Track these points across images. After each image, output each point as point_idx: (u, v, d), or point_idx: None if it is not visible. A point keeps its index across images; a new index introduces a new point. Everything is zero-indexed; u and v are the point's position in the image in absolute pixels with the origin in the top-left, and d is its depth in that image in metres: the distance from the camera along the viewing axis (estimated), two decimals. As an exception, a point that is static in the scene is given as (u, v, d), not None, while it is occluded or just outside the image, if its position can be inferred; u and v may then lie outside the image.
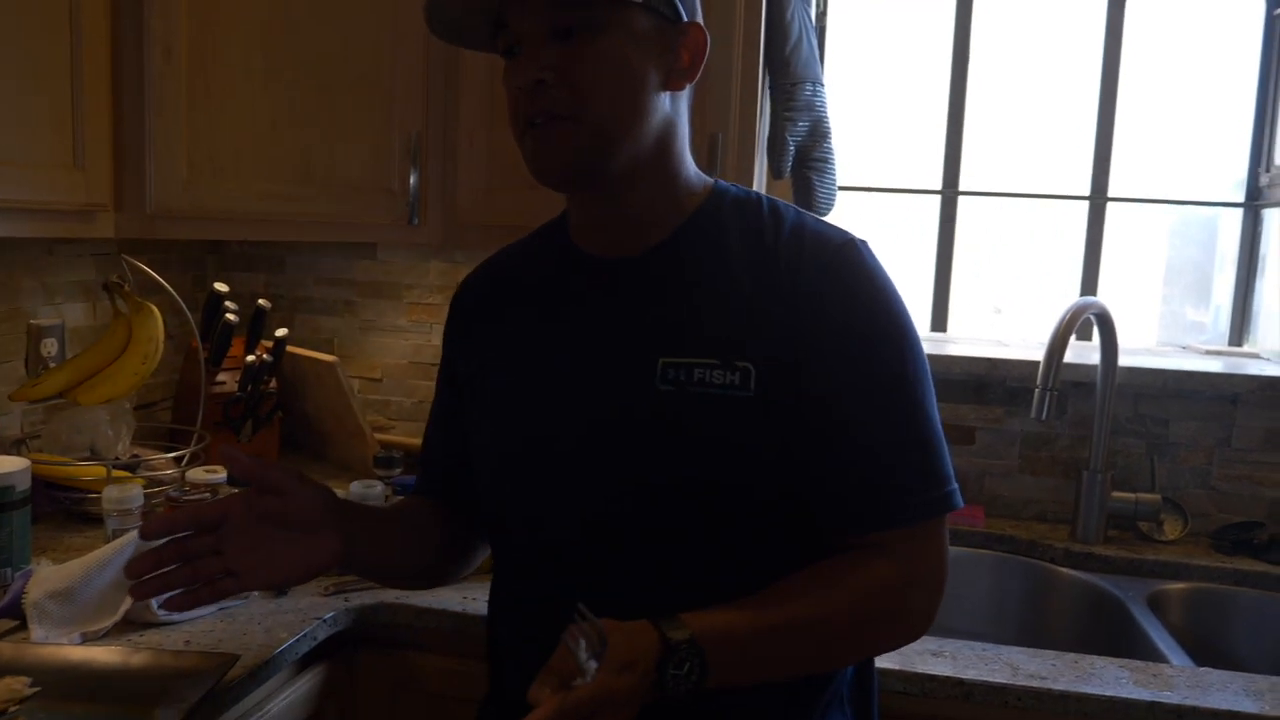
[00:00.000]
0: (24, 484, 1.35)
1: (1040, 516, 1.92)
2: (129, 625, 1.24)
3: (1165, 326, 2.27)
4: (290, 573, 0.93)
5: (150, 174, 1.55)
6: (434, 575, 1.13)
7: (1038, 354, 1.66)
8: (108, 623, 1.21)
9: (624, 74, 0.90)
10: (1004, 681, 1.21)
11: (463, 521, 1.11)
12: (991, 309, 2.30)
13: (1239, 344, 2.12)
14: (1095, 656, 1.30)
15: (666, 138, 0.96)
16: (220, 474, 1.57)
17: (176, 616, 1.26)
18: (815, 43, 1.82)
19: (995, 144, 2.18)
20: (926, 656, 1.27)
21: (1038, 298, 2.25)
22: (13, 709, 1.02)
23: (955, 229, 2.18)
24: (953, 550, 1.79)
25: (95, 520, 1.54)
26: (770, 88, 1.77)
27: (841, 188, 1.91)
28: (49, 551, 1.46)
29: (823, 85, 1.82)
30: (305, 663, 1.31)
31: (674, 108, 0.96)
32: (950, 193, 2.18)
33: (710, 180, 1.02)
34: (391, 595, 1.39)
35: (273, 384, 1.96)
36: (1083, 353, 1.94)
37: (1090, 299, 1.75)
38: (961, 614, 1.80)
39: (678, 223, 0.98)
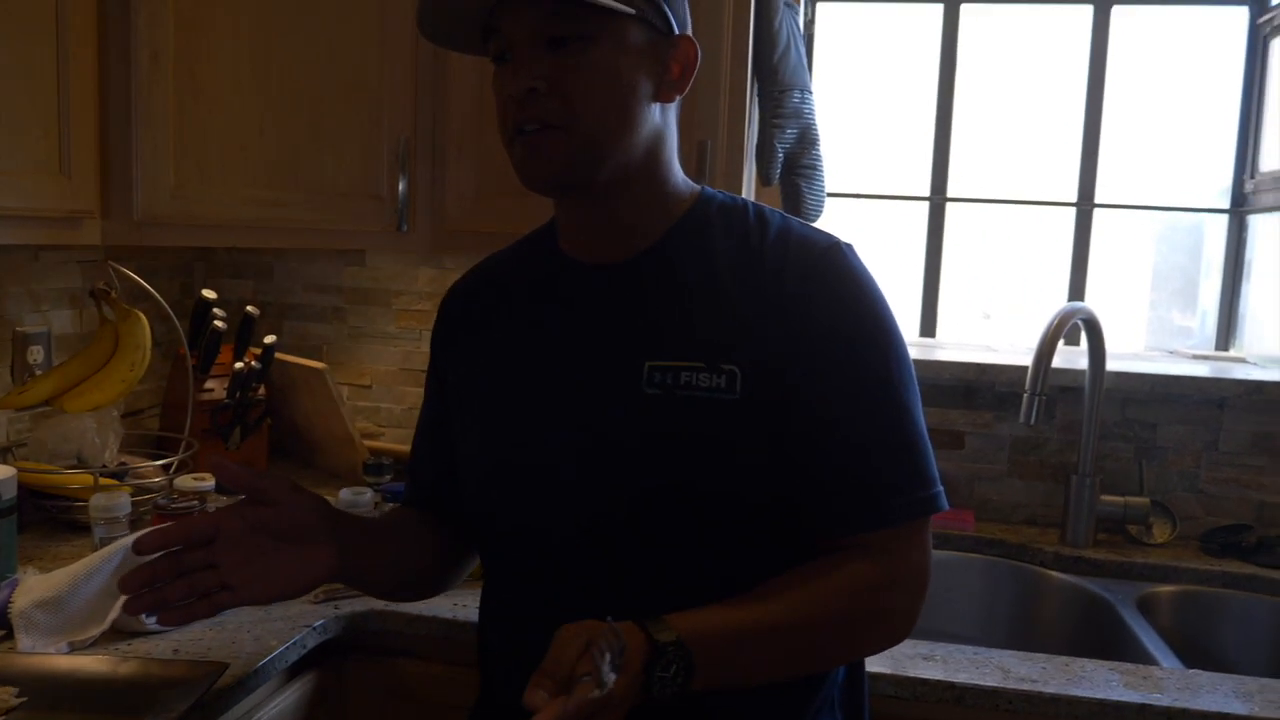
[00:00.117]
0: (10, 492, 1.34)
1: (1030, 520, 1.93)
2: (117, 634, 1.23)
3: (1153, 331, 2.29)
4: (286, 585, 0.91)
5: (137, 181, 1.55)
6: (424, 587, 1.12)
7: (1026, 359, 1.67)
8: (95, 632, 1.20)
9: (615, 85, 0.91)
10: (995, 685, 1.21)
11: (452, 531, 1.10)
12: (980, 314, 2.32)
13: (1225, 349, 2.13)
14: (1086, 659, 1.30)
15: (655, 147, 0.96)
16: (209, 482, 1.56)
17: (164, 626, 1.25)
18: (803, 50, 1.82)
19: (983, 151, 2.20)
20: (918, 660, 1.27)
21: (1026, 303, 2.26)
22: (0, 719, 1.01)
23: (944, 235, 2.19)
24: (943, 554, 1.82)
25: (82, 529, 1.53)
26: (759, 95, 1.78)
27: (830, 194, 1.92)
28: (35, 560, 1.45)
29: (811, 93, 1.83)
30: (295, 671, 1.30)
31: (663, 118, 0.97)
32: (939, 199, 2.19)
33: (697, 187, 1.02)
34: (381, 603, 1.38)
35: (261, 391, 1.96)
36: (1071, 358, 1.95)
37: (1078, 304, 1.76)
38: (952, 618, 1.80)
39: (665, 228, 0.98)
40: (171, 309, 1.81)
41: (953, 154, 2.18)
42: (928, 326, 2.21)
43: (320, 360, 2.03)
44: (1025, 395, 1.64)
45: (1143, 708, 1.18)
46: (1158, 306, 2.33)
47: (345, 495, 1.58)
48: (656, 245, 0.98)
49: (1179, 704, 1.18)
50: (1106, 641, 1.57)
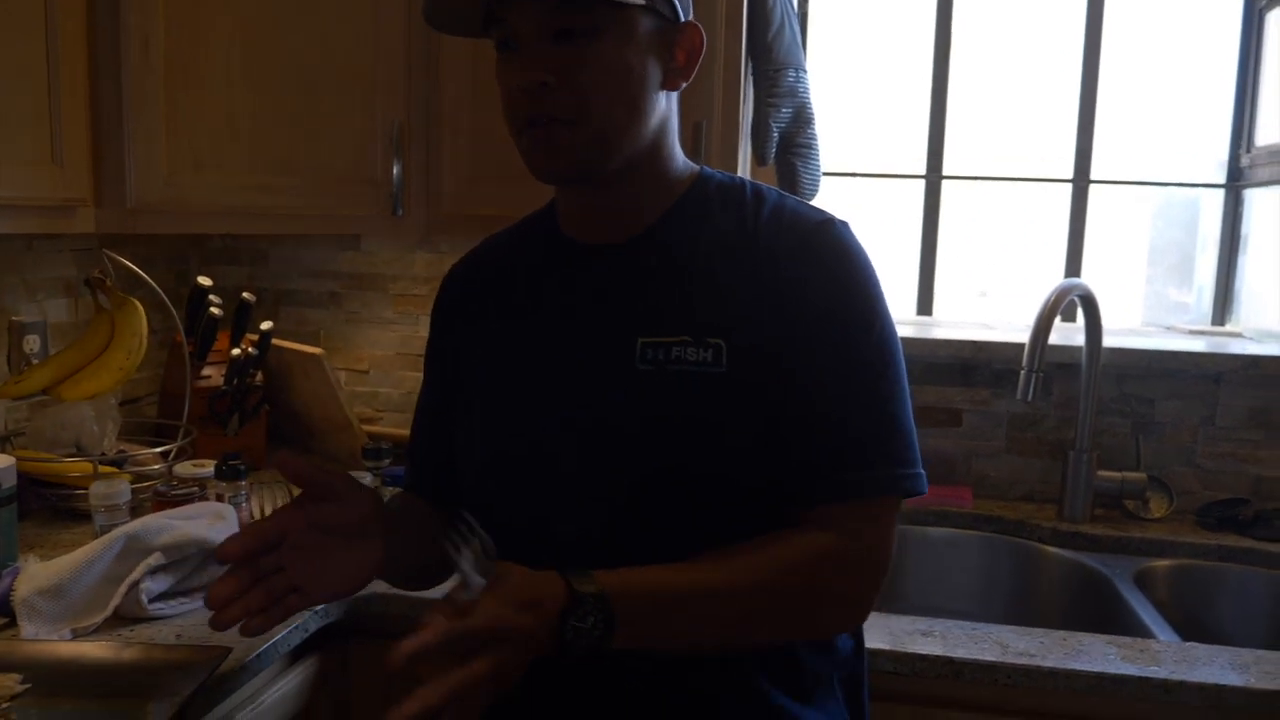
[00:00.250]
0: (10, 481, 1.34)
1: (1027, 496, 1.94)
2: (119, 620, 1.23)
3: (1150, 307, 2.29)
4: (346, 582, 0.90)
5: (130, 168, 1.54)
6: (428, 576, 1.12)
7: (1023, 336, 1.67)
8: (98, 618, 1.21)
9: (626, 77, 0.90)
10: (994, 659, 1.22)
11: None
12: (977, 292, 2.32)
13: (1222, 324, 2.13)
14: (1083, 633, 1.31)
15: (661, 133, 0.96)
16: (207, 468, 1.57)
17: (167, 610, 1.25)
18: (798, 29, 1.81)
19: (978, 128, 2.19)
20: (916, 636, 1.28)
21: (1023, 280, 2.26)
22: (4, 706, 1.01)
23: (940, 213, 2.19)
24: (941, 531, 1.83)
25: (83, 516, 1.53)
26: (753, 74, 1.77)
27: (826, 173, 1.91)
28: (36, 548, 1.46)
29: (805, 71, 1.82)
30: (297, 654, 1.31)
31: (668, 104, 0.97)
32: (934, 177, 2.18)
33: (696, 167, 1.02)
34: (383, 586, 1.37)
35: (258, 377, 1.96)
36: (1068, 334, 1.95)
37: (1074, 281, 1.76)
38: (951, 594, 1.82)
39: (663, 209, 0.98)
40: (167, 296, 1.81)
41: (948, 131, 2.17)
42: (924, 304, 2.21)
43: (317, 346, 2.03)
44: (1022, 372, 1.65)
45: (1140, 680, 1.19)
46: (1154, 282, 2.33)
47: (344, 480, 1.58)
48: (654, 226, 0.98)
49: (1175, 676, 1.19)
50: (1104, 616, 1.58)
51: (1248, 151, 2.08)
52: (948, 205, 2.19)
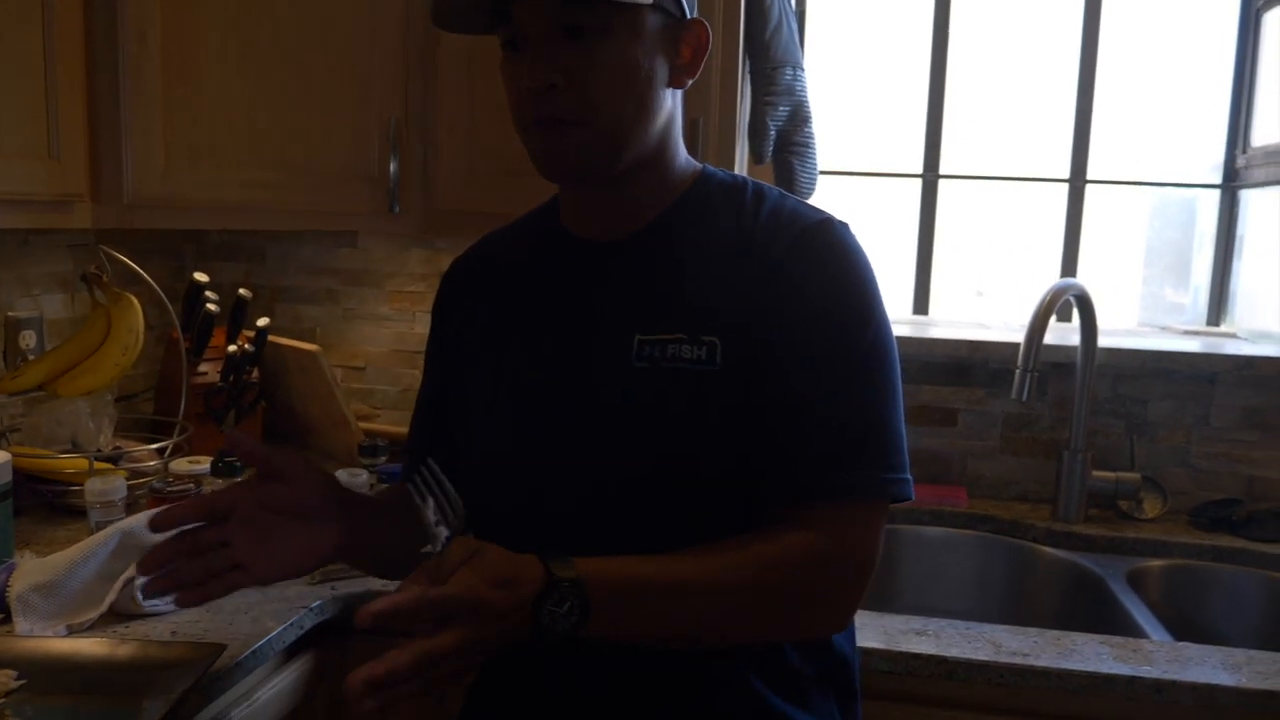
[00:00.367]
0: (5, 477, 1.33)
1: (1022, 496, 1.94)
2: (114, 617, 1.23)
3: (1146, 307, 2.29)
4: (293, 564, 0.92)
5: (127, 163, 1.54)
6: (413, 565, 1.12)
7: (1019, 336, 1.67)
8: (93, 614, 1.21)
9: (633, 76, 0.90)
10: (987, 659, 1.23)
11: None
12: (973, 291, 2.32)
13: (1217, 324, 2.14)
14: (1077, 633, 1.31)
15: (666, 131, 0.97)
16: (203, 465, 1.57)
17: (162, 607, 1.25)
18: (795, 27, 1.82)
19: (975, 128, 2.19)
20: (910, 635, 1.28)
21: (1019, 280, 2.27)
22: (-2, 702, 1.01)
23: (936, 212, 2.19)
24: (936, 530, 1.84)
25: (78, 513, 1.53)
26: (750, 73, 1.77)
27: (823, 172, 1.92)
28: (32, 545, 1.45)
29: (803, 70, 1.82)
30: (293, 652, 1.31)
31: (673, 101, 0.97)
32: (931, 176, 2.19)
33: (698, 165, 1.02)
34: (378, 583, 1.38)
35: (255, 374, 1.95)
36: (1063, 334, 1.96)
37: (1069, 280, 1.76)
38: (945, 593, 1.82)
39: (665, 206, 0.99)
40: (164, 292, 1.81)
41: (945, 131, 2.17)
42: (920, 304, 2.21)
43: (314, 342, 2.03)
44: (1017, 372, 1.65)
45: (1132, 680, 1.19)
46: (1150, 282, 2.34)
47: (341, 477, 1.58)
48: (655, 223, 0.98)
49: (1168, 676, 1.19)
50: (1097, 615, 1.59)
51: (1243, 152, 2.09)
52: (944, 204, 2.19)
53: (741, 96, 1.68)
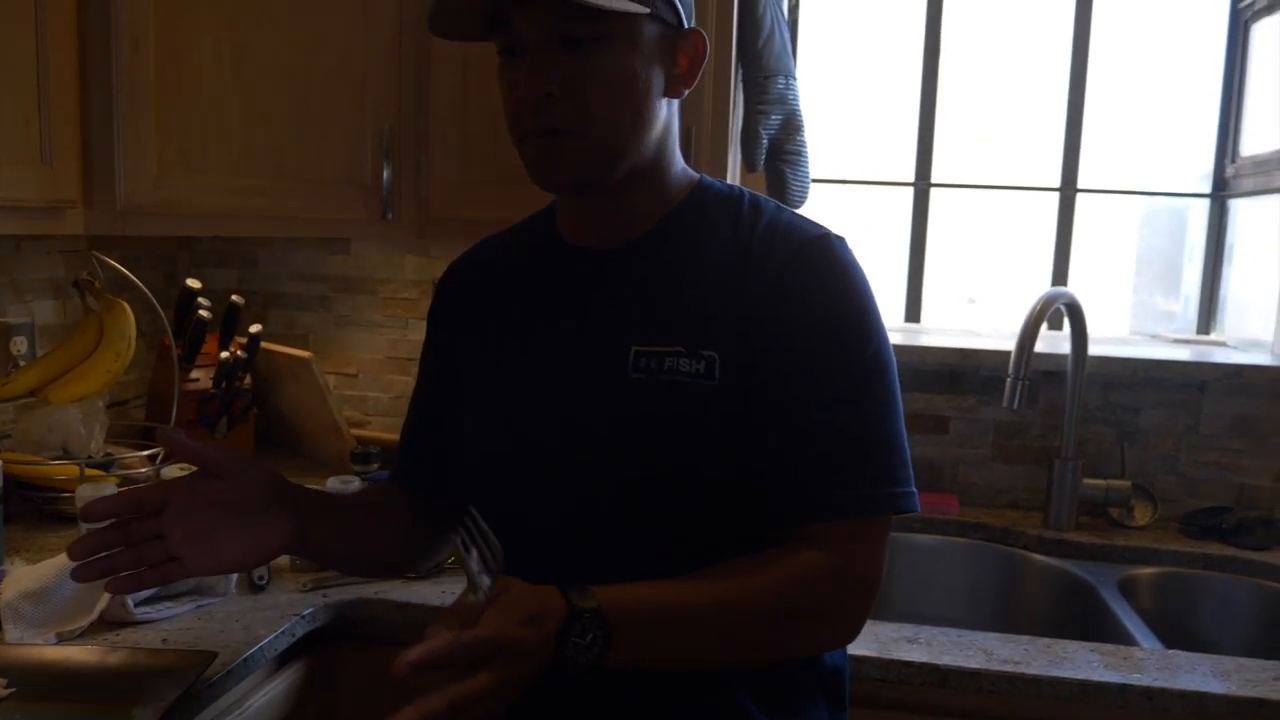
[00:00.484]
0: (-5, 484, 1.33)
1: (1013, 504, 1.95)
2: (105, 624, 1.23)
3: (1137, 315, 2.30)
4: (233, 559, 0.92)
5: (120, 170, 1.54)
6: (399, 564, 1.14)
7: (1010, 344, 1.68)
8: (83, 622, 1.20)
9: (631, 87, 0.90)
10: (978, 667, 1.23)
11: (429, 512, 1.11)
12: (965, 299, 2.33)
13: (1207, 332, 2.15)
14: (1068, 641, 1.32)
15: (663, 141, 0.97)
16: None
17: (153, 615, 1.25)
18: (788, 36, 1.82)
19: (967, 136, 2.20)
20: (902, 643, 1.28)
21: (1011, 288, 2.28)
22: (-12, 710, 1.01)
23: (928, 220, 2.20)
24: (928, 538, 1.84)
25: (69, 520, 1.53)
26: (743, 81, 1.78)
27: (815, 180, 1.92)
28: (22, 552, 1.45)
29: (795, 79, 1.83)
30: (284, 659, 1.30)
31: (669, 110, 0.97)
32: (923, 185, 2.20)
33: (695, 175, 1.03)
34: (370, 591, 1.38)
35: (247, 381, 1.95)
36: (1054, 342, 1.97)
37: (1060, 289, 1.77)
38: (936, 601, 1.82)
39: (661, 216, 0.99)
40: (156, 298, 1.80)
41: (937, 139, 2.18)
42: (912, 312, 2.22)
43: (306, 349, 2.03)
44: (1008, 380, 1.66)
45: (1122, 688, 1.19)
46: (1141, 291, 2.35)
47: (333, 484, 1.58)
48: (651, 232, 0.98)
49: (1158, 684, 1.20)
50: (1088, 623, 1.59)
51: (1233, 162, 2.10)
52: (936, 212, 2.20)
53: (734, 105, 1.69)
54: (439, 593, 1.38)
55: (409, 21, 1.66)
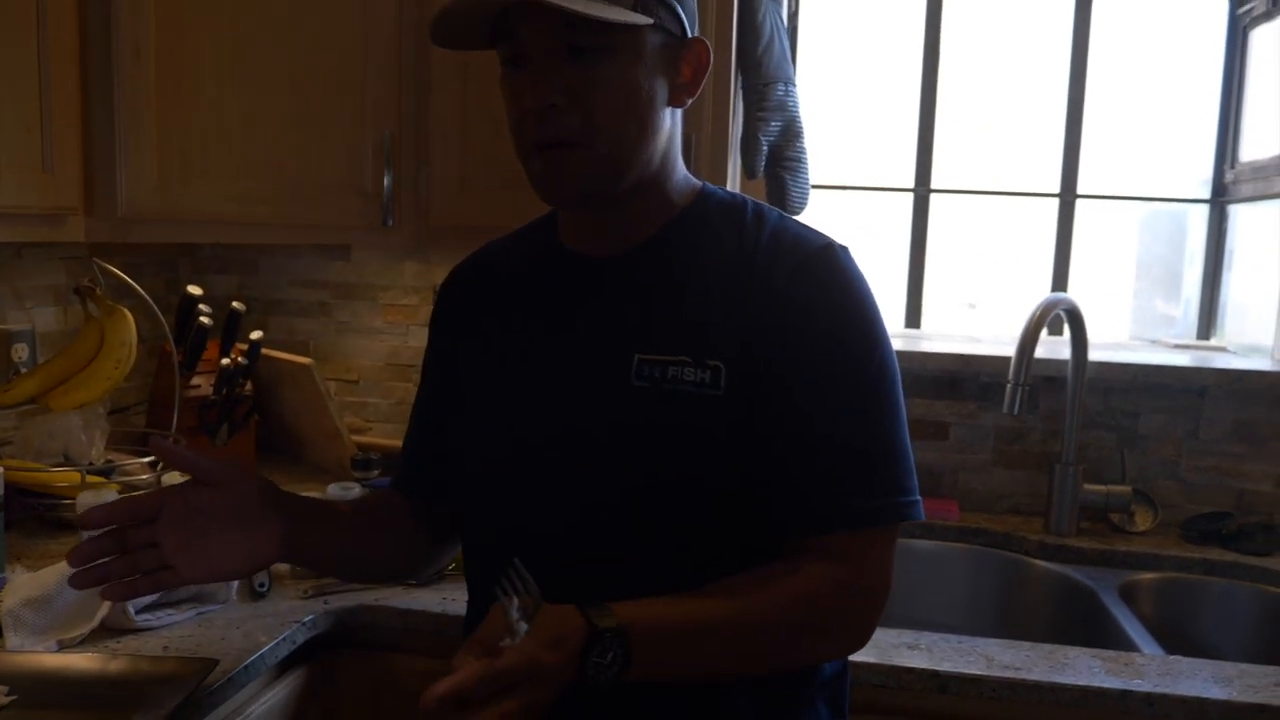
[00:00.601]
0: (-4, 491, 1.33)
1: (1014, 509, 1.95)
2: (106, 632, 1.23)
3: (1137, 320, 2.30)
4: (226, 567, 0.93)
5: (121, 177, 1.54)
6: (399, 571, 1.14)
7: (1010, 349, 1.68)
8: (84, 629, 1.21)
9: (635, 98, 0.91)
10: (979, 673, 1.23)
11: (430, 519, 1.11)
12: (965, 304, 2.33)
13: (1207, 337, 2.15)
14: (1069, 647, 1.32)
15: (666, 150, 0.97)
16: (196, 478, 1.56)
17: (154, 622, 1.25)
18: (787, 43, 1.83)
19: (966, 142, 2.21)
20: (903, 649, 1.28)
21: (1012, 292, 2.28)
22: (-12, 718, 1.01)
23: (928, 226, 2.20)
24: (928, 544, 1.84)
25: (70, 527, 1.53)
26: (743, 88, 1.78)
27: (815, 186, 1.92)
28: (23, 559, 1.45)
29: (795, 85, 1.83)
30: (285, 666, 1.30)
31: (673, 120, 0.97)
32: (923, 190, 2.20)
33: (698, 183, 1.03)
34: (370, 597, 1.39)
35: (248, 387, 1.95)
36: (1054, 348, 1.97)
37: (1060, 295, 1.78)
38: (937, 607, 1.82)
39: (663, 223, 0.99)
40: (156, 305, 1.80)
41: (936, 146, 2.19)
42: (912, 317, 2.22)
43: (307, 356, 2.03)
44: (1009, 385, 1.66)
45: (1124, 694, 1.19)
46: (1141, 295, 2.35)
47: (333, 490, 1.58)
48: (654, 240, 0.98)
49: (1159, 690, 1.19)
50: (1089, 629, 1.59)
51: (1232, 167, 2.10)
52: (936, 218, 2.21)
53: (734, 112, 1.69)
54: (439, 599, 1.38)
55: (409, 28, 1.66)
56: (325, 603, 1.37)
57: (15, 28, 1.37)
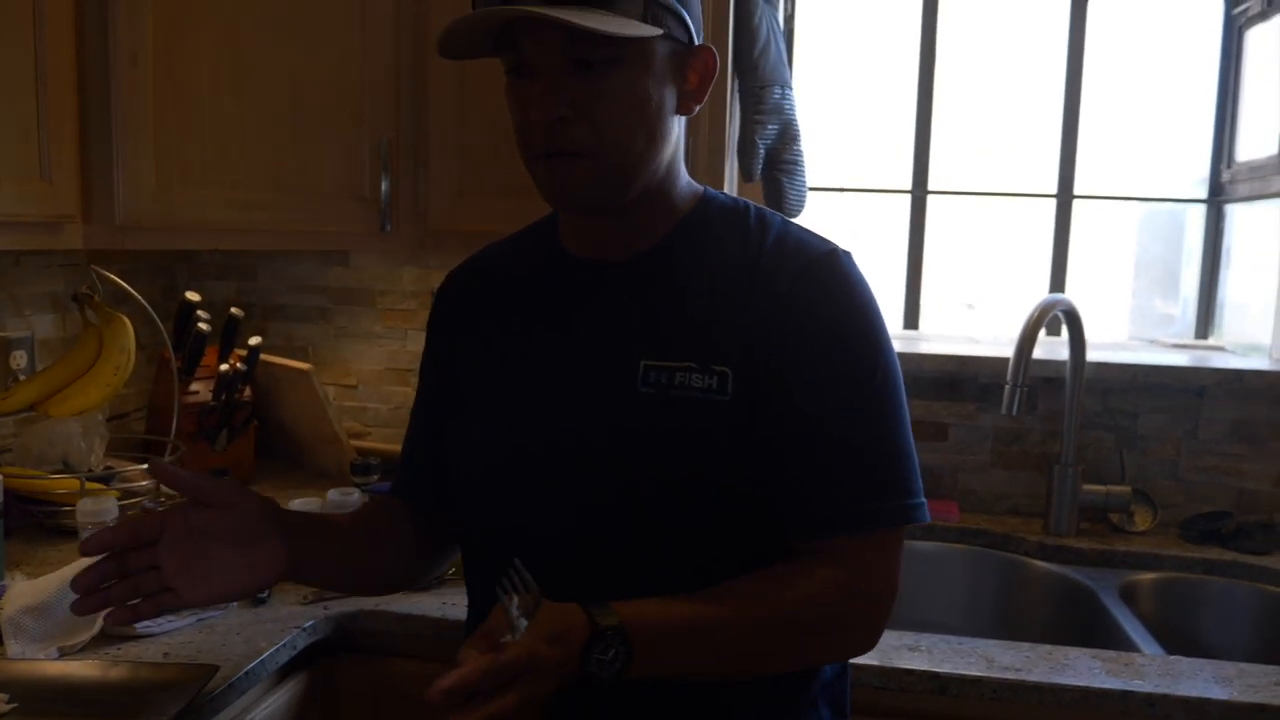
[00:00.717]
0: (-4, 499, 1.34)
1: (1013, 510, 1.95)
2: (106, 639, 1.23)
3: (1136, 320, 2.31)
4: (230, 587, 0.92)
5: (118, 184, 1.54)
6: (400, 580, 1.14)
7: (1008, 350, 1.68)
8: (85, 637, 1.21)
9: (644, 109, 0.90)
10: (979, 674, 1.23)
11: (429, 525, 1.11)
12: (964, 305, 2.33)
13: (1205, 337, 2.15)
14: (1069, 647, 1.32)
15: (672, 157, 0.97)
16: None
17: (155, 629, 1.25)
18: (783, 46, 1.83)
19: (963, 143, 2.21)
20: (903, 651, 1.28)
21: (1010, 293, 2.28)
22: (-11, 726, 1.01)
23: (926, 227, 2.21)
24: (928, 545, 1.84)
25: (69, 534, 1.53)
26: (739, 91, 1.79)
27: (812, 189, 1.93)
28: (23, 566, 1.45)
29: (791, 88, 1.84)
30: (285, 672, 1.30)
31: (679, 128, 0.98)
32: (920, 192, 2.20)
33: (700, 188, 1.03)
34: (370, 603, 1.38)
35: (247, 393, 1.95)
36: (1053, 348, 1.97)
37: (1057, 296, 1.78)
38: (937, 608, 1.82)
39: (667, 229, 0.99)
40: (155, 311, 1.81)
41: (933, 147, 2.19)
42: (910, 319, 2.22)
43: (306, 361, 2.03)
44: (1007, 386, 1.66)
45: (1125, 694, 1.19)
46: (1140, 295, 2.35)
47: (333, 496, 1.58)
48: (658, 246, 0.98)
49: (1160, 690, 1.19)
50: (1089, 629, 1.59)
51: (1228, 167, 2.11)
52: (933, 219, 2.21)
53: (730, 115, 1.69)
54: (439, 603, 1.38)
55: (406, 34, 1.66)
56: (325, 608, 1.37)
57: (12, 35, 1.37)
